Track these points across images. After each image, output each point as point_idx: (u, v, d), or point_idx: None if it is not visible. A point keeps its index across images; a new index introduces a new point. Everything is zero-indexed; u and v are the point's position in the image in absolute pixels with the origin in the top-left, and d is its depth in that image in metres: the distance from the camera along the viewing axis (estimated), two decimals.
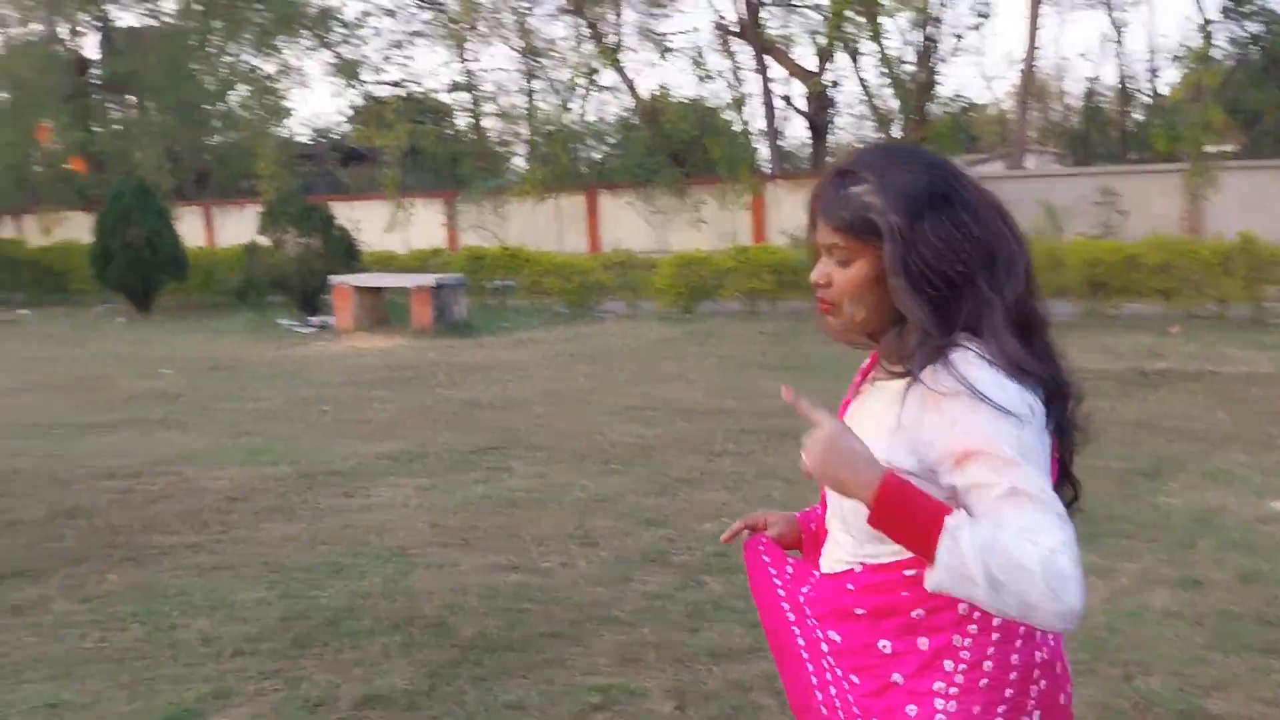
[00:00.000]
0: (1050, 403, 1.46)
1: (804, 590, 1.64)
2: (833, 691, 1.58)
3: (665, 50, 24.88)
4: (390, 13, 31.34)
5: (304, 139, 35.54)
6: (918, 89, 22.25)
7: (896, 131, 23.33)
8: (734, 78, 24.36)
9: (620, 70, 24.28)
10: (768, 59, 22.89)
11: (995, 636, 1.47)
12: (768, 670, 3.65)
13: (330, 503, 5.87)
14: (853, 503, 1.44)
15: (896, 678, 1.50)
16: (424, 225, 24.41)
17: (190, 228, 26.36)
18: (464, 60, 30.40)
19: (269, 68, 32.05)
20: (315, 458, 6.85)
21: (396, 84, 32.52)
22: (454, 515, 5.54)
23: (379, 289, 14.49)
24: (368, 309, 14.13)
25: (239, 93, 31.54)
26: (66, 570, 4.84)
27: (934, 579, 1.35)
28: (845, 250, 1.50)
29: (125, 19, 30.48)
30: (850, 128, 30.21)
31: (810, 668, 1.63)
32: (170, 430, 7.94)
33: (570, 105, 27.35)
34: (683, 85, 39.00)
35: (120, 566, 4.88)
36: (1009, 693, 1.47)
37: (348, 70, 31.24)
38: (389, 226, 22.81)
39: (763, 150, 24.38)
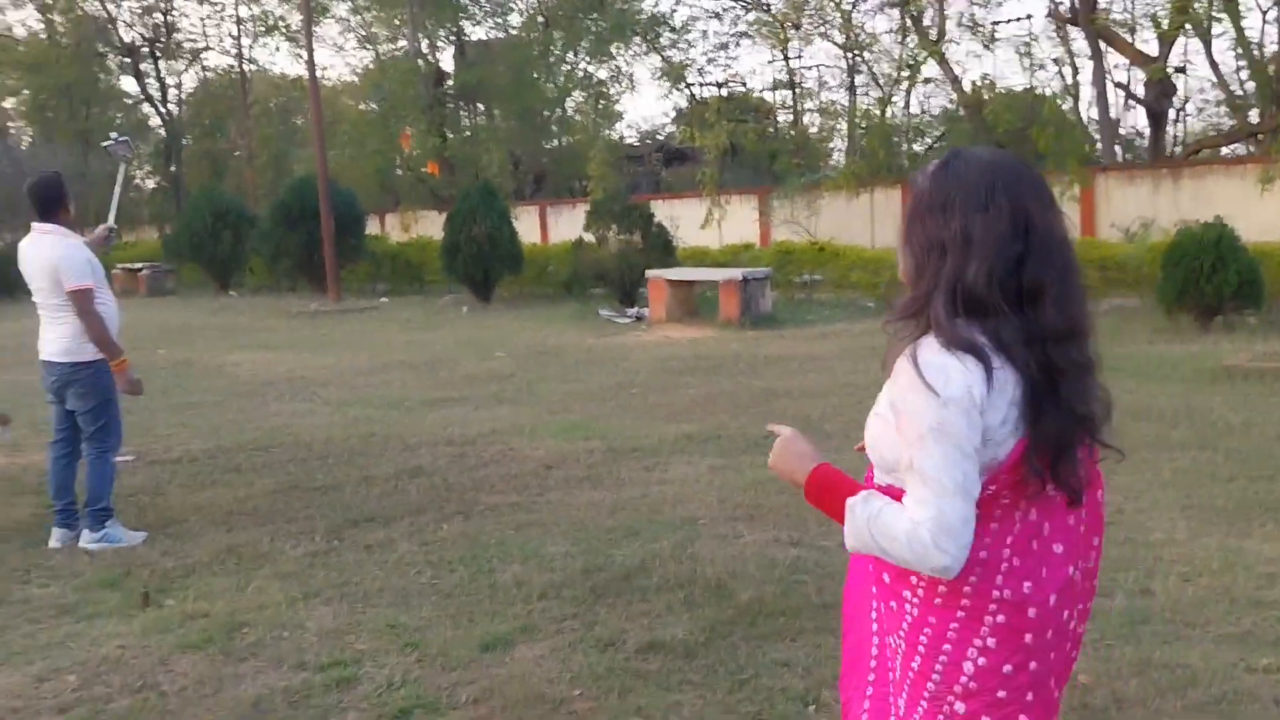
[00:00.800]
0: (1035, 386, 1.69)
1: None
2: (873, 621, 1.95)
3: (991, 40, 24.00)
4: (716, 15, 32.18)
5: (631, 141, 37.14)
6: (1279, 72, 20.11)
7: (1253, 118, 21.22)
8: (1068, 66, 23.14)
9: (943, 62, 23.70)
10: (1104, 45, 21.52)
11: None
12: None
13: (631, 475, 6.37)
14: (875, 455, 1.82)
15: (885, 576, 1.86)
16: (738, 221, 24.94)
17: (527, 226, 28.35)
18: (786, 58, 30.74)
19: (602, 74, 33.81)
20: (622, 435, 7.41)
21: (720, 84, 33.37)
22: (741, 493, 5.85)
23: (690, 282, 15.11)
24: (679, 301, 14.77)
25: (575, 98, 33.48)
26: (409, 519, 5.62)
27: (847, 543, 1.78)
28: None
29: (476, 33, 33.23)
30: (1200, 116, 27.77)
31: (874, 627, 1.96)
32: (501, 406, 8.82)
33: (892, 99, 27.00)
34: (1010, 75, 37.20)
35: (452, 519, 5.61)
36: (960, 614, 1.75)
37: (674, 73, 32.37)
38: (705, 223, 23.52)
39: (1097, 140, 22.98)
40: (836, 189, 24.00)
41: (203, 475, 6.79)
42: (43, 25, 36.39)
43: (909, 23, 24.25)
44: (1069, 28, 22.58)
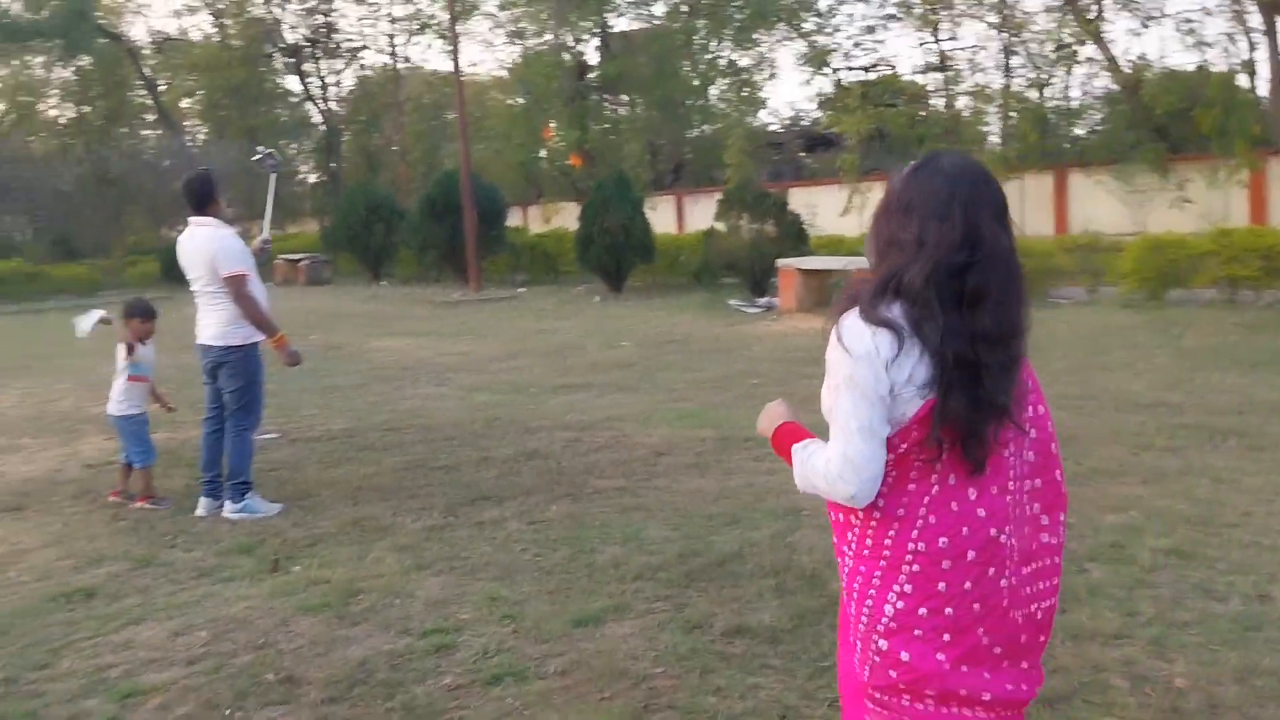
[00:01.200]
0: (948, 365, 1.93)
1: None
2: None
3: (1148, 19, 22.89)
4: None
5: (774, 127, 36.87)
6: None
7: None
8: (1242, 43, 21.84)
9: (1099, 41, 22.73)
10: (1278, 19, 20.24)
11: (873, 521, 2.03)
12: (1129, 656, 3.65)
13: (739, 464, 6.44)
14: (825, 411, 2.04)
15: (834, 538, 2.17)
16: None
17: (663, 215, 28.50)
18: (937, 40, 29.98)
19: (745, 61, 33.64)
20: (735, 424, 7.47)
21: (867, 68, 32.80)
22: None
23: (822, 271, 14.98)
24: (811, 290, 14.67)
25: (719, 87, 33.41)
26: (520, 499, 5.85)
27: (796, 484, 2.12)
28: None
29: (619, 24, 33.54)
30: None
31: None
32: (620, 393, 9.00)
33: (1050, 80, 26.07)
34: (1173, 54, 35.33)
35: (561, 500, 5.81)
36: (883, 564, 2.03)
37: (817, 58, 31.96)
38: (845, 210, 23.25)
39: (1270, 122, 21.66)
40: None
41: (337, 453, 7.20)
42: (216, 29, 38.59)
43: (1065, 2, 23.37)
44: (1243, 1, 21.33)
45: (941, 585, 2.00)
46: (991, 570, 2.01)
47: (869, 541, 2.04)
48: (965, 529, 2.00)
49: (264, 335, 5.81)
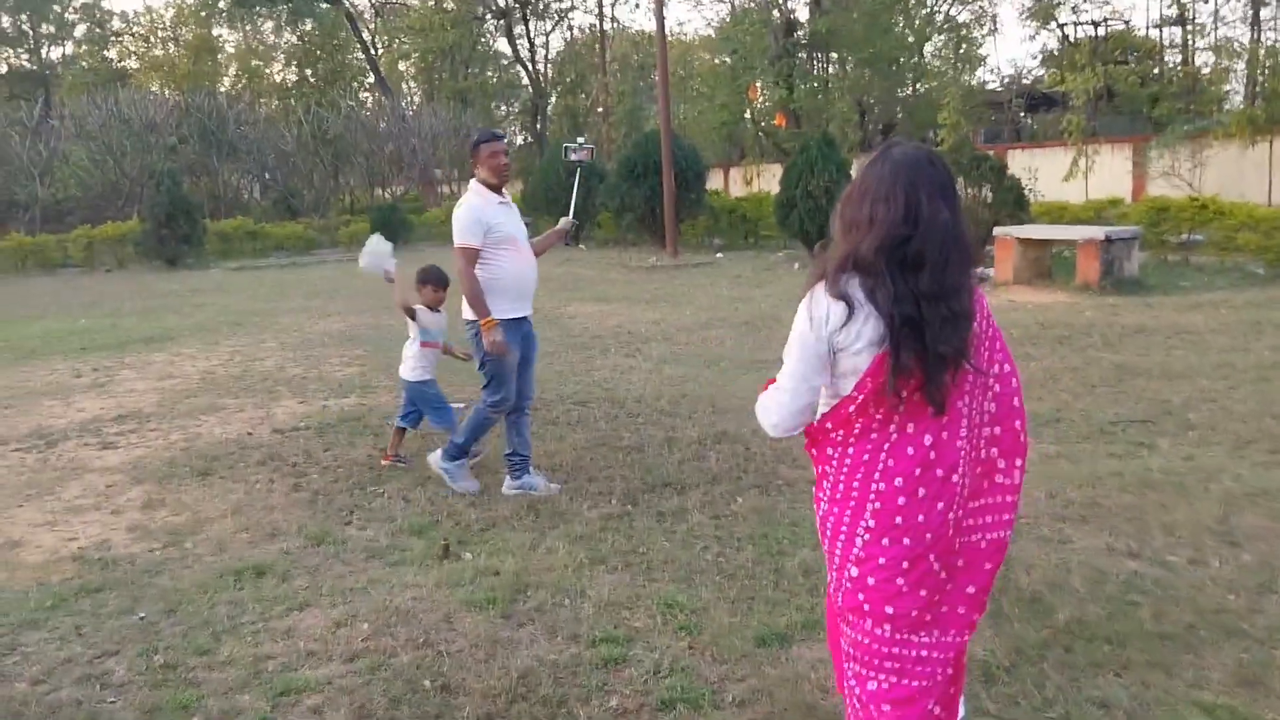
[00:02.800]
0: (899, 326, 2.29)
1: None
2: None
3: None
4: None
5: (993, 86, 35.08)
6: None
7: None
8: None
9: None
10: None
11: (844, 469, 2.43)
12: None
13: None
14: None
15: (815, 489, 2.57)
16: (1107, 172, 22.73)
17: None
18: None
19: (964, 15, 32.00)
20: None
21: (1096, 23, 30.58)
22: (1077, 488, 5.18)
23: (1044, 241, 13.78)
24: (1030, 262, 13.54)
25: (934, 43, 31.92)
26: (705, 488, 5.44)
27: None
28: None
29: None
30: None
31: None
32: None
33: None
34: None
35: (748, 492, 5.36)
36: (852, 504, 2.43)
37: (1043, 13, 29.98)
38: (1068, 175, 21.64)
39: None
40: (1228, 138, 21.26)
41: None
42: None
43: None
44: None
45: (899, 519, 2.38)
46: (940, 504, 2.38)
47: (841, 486, 2.44)
48: (918, 470, 2.36)
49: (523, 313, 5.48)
